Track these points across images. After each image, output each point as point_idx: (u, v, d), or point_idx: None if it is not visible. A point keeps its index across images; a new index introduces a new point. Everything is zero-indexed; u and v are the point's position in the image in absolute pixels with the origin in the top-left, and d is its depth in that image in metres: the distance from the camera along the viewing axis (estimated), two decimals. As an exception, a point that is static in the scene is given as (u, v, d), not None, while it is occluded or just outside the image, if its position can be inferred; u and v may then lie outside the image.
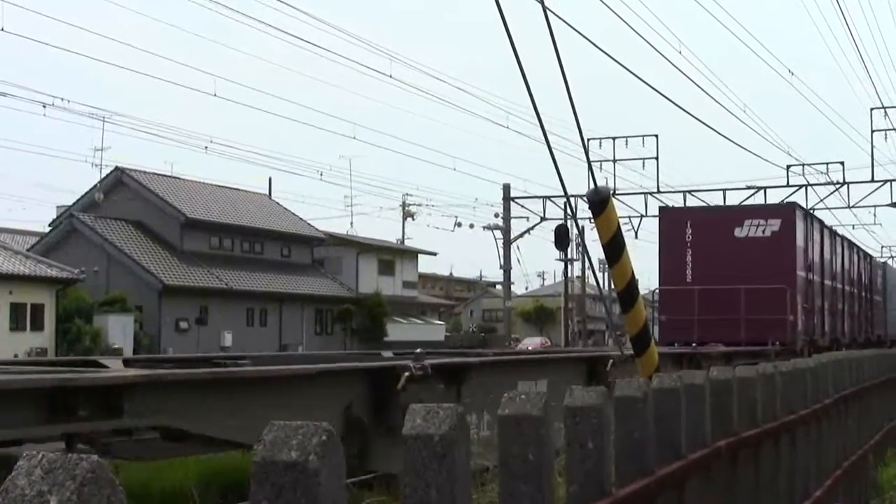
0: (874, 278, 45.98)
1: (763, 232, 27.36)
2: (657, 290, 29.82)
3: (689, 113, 26.59)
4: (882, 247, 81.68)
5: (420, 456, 2.18)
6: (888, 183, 48.33)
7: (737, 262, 26.67)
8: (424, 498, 2.18)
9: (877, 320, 46.00)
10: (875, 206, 52.56)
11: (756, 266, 26.44)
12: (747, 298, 25.90)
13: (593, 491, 3.12)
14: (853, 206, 49.81)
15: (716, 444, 4.56)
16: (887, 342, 46.47)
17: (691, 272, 27.59)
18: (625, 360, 11.96)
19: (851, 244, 39.92)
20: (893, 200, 48.54)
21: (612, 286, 11.75)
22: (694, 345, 24.66)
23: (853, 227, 58.31)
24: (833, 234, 34.99)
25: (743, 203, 45.72)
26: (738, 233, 27.50)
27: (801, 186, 47.66)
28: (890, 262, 74.10)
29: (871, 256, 46.42)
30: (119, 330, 50.04)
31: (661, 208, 31.12)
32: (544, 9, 10.40)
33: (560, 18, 13.81)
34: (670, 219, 29.43)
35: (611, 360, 13.98)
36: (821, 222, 32.82)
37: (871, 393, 11.69)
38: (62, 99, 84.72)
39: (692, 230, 27.87)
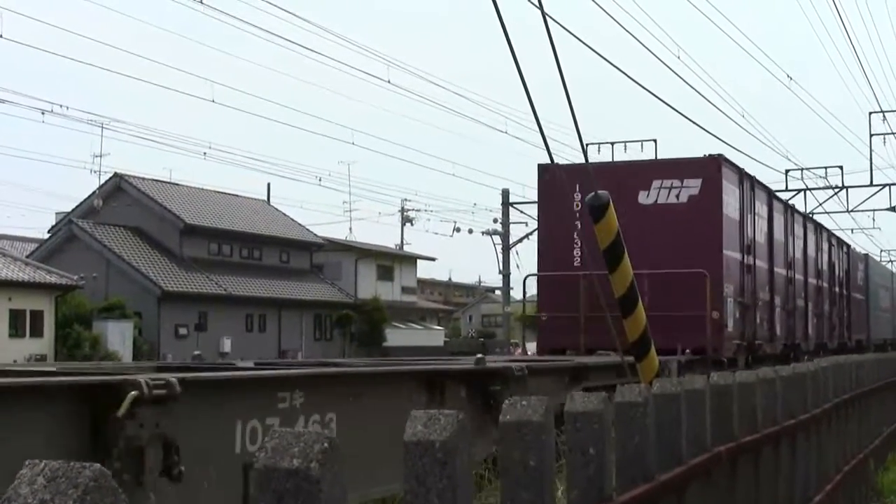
0: (853, 272, 40.41)
1: (677, 197, 20.20)
2: (532, 278, 22.86)
3: (687, 118, 26.49)
4: (881, 251, 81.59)
5: (421, 462, 2.18)
6: (887, 187, 48.33)
7: (642, 238, 18.77)
8: (426, 504, 2.18)
9: (857, 321, 40.31)
10: (874, 210, 52.84)
11: (667, 244, 19.77)
12: (653, 288, 18.71)
13: (594, 496, 3.12)
14: (852, 211, 49.78)
15: (716, 449, 4.56)
16: (870, 347, 41.26)
17: (580, 253, 20.24)
18: (630, 366, 11.97)
19: (820, 227, 33.35)
20: (892, 204, 48.52)
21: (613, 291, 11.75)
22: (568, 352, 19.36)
23: (852, 231, 58.28)
24: (791, 210, 28.32)
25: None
26: (644, 198, 20.37)
27: (799, 191, 47.61)
28: (890, 265, 73.63)
29: (848, 245, 40.26)
30: (118, 336, 50.02)
31: (540, 165, 21.73)
32: (543, 13, 10.41)
33: (559, 24, 13.80)
34: (552, 180, 20.50)
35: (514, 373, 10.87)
36: (769, 191, 25.36)
37: (872, 397, 11.70)
38: (61, 105, 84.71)
39: (582, 195, 18.78)
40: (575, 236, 20.16)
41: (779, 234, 25.90)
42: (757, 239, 23.20)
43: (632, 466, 3.55)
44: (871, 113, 48.72)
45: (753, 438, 5.31)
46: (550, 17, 10.10)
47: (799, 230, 28.90)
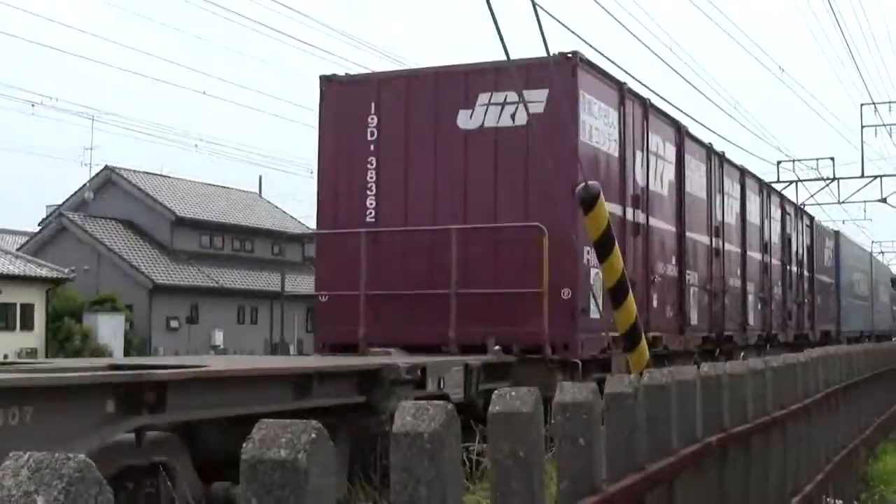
0: (819, 250, 34.40)
1: (513, 117, 13.79)
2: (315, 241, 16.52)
3: (679, 109, 26.44)
4: (872, 242, 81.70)
5: (409, 453, 2.17)
6: (878, 178, 48.42)
7: (462, 180, 14.08)
8: (414, 495, 2.18)
9: (823, 310, 34.10)
10: (865, 202, 52.73)
11: (498, 188, 13.96)
12: (465, 252, 13.52)
13: (584, 487, 3.12)
14: (843, 202, 49.85)
15: (706, 439, 4.57)
16: (841, 341, 34.64)
17: (377, 203, 14.49)
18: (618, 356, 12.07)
19: (770, 189, 27.14)
20: (883, 196, 48.60)
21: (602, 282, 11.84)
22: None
23: (843, 223, 58.32)
24: (721, 159, 21.62)
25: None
26: (466, 120, 14.08)
27: (791, 182, 47.68)
28: (880, 258, 73.63)
29: (811, 217, 34.22)
30: (109, 329, 49.95)
31: (322, 77, 15.16)
32: (533, 3, 10.43)
33: (549, 14, 13.73)
34: (341, 97, 14.91)
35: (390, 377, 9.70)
36: (678, 127, 18.62)
37: (862, 388, 11.72)
38: (51, 98, 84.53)
39: (380, 119, 14.55)
40: (369, 179, 14.51)
41: (697, 187, 19.61)
42: (654, 188, 16.72)
43: (622, 457, 3.55)
44: (862, 105, 48.79)
45: (743, 429, 5.32)
46: (541, 8, 10.11)
47: (733, 188, 22.84)
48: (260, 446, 1.79)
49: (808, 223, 33.13)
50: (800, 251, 30.82)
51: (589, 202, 10.87)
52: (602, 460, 3.31)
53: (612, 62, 19.04)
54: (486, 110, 14.03)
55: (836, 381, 9.41)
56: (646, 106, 16.79)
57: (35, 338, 46.86)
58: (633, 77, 22.59)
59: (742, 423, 5.35)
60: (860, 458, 11.03)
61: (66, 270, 48.49)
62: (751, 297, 23.85)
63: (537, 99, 13.50)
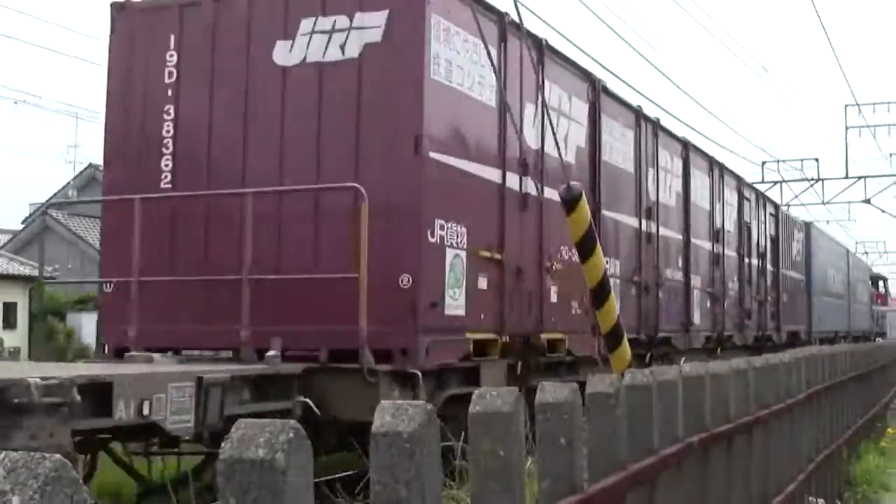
0: (786, 242, 31.02)
1: (342, 49, 10.95)
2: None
3: (664, 109, 26.31)
4: (857, 242, 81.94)
5: (389, 453, 2.17)
6: (862, 179, 48.57)
7: (276, 130, 11.20)
8: (394, 495, 2.18)
9: (790, 308, 30.87)
10: (849, 203, 52.90)
11: (322, 140, 10.97)
12: (272, 225, 10.98)
13: (565, 486, 3.12)
14: (828, 203, 50.01)
15: (688, 439, 4.57)
16: (814, 341, 32.56)
17: (174, 163, 11.63)
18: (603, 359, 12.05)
19: (723, 168, 23.56)
20: (867, 197, 48.75)
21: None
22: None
23: (827, 223, 58.53)
24: (656, 126, 18.43)
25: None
26: (284, 54, 11.22)
27: (776, 183, 47.82)
28: (864, 258, 73.72)
29: (776, 205, 31.35)
30: (93, 328, 49.70)
31: (113, 3, 12.09)
32: (515, 5, 10.48)
33: (534, 13, 13.73)
34: (134, 29, 12.03)
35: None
36: (592, 81, 15.30)
37: (845, 388, 11.76)
38: (34, 95, 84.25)
39: (181, 56, 11.70)
40: (165, 133, 11.56)
41: (620, 158, 16.30)
42: (553, 153, 12.66)
43: (603, 457, 3.56)
44: (846, 106, 48.95)
45: (726, 429, 5.33)
46: (524, 7, 10.06)
47: (673, 163, 19.31)
48: (238, 446, 1.79)
49: (772, 212, 29.53)
50: (762, 242, 27.44)
51: (571, 203, 10.87)
52: (583, 460, 3.31)
53: (595, 59, 19.02)
54: (310, 40, 10.97)
55: (818, 382, 9.44)
56: (541, 48, 13.32)
57: (18, 336, 46.68)
58: (616, 75, 22.64)
59: (724, 423, 5.36)
60: (843, 458, 11.06)
61: (49, 269, 48.33)
62: (696, 293, 20.37)
63: (373, 24, 10.66)
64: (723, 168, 23.49)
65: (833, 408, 10.66)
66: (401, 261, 10.29)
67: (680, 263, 19.58)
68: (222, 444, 1.81)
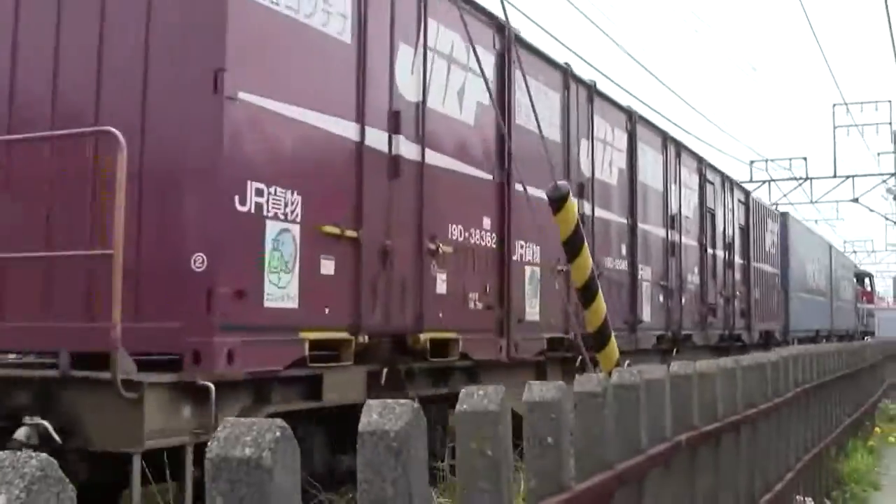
0: (758, 235, 28.52)
1: None
2: None
3: (653, 109, 26.27)
4: (844, 242, 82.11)
5: (376, 451, 2.18)
6: (850, 178, 48.69)
7: (49, 59, 8.48)
8: (381, 494, 2.18)
9: (764, 305, 28.57)
10: (837, 202, 53.07)
11: (104, 71, 8.25)
12: (22, 181, 8.52)
13: (552, 486, 3.13)
14: (816, 202, 50.13)
15: (676, 438, 4.58)
16: (791, 341, 30.79)
17: (10, 93, 8.69)
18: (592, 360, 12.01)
19: (680, 146, 20.75)
20: (855, 196, 48.88)
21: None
22: None
23: (816, 222, 58.72)
24: (591, 90, 15.83)
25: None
26: None
27: (764, 182, 47.96)
28: (853, 257, 73.74)
29: (746, 192, 28.41)
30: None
31: None
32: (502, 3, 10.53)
33: (522, 13, 13.73)
34: None
35: None
36: (495, 21, 12.47)
37: (834, 386, 11.79)
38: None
39: None
40: None
41: (546, 125, 13.27)
42: (443, 110, 11.08)
43: (591, 456, 3.57)
44: (834, 105, 49.13)
45: (713, 428, 5.35)
46: (511, 5, 10.04)
47: (614, 136, 16.72)
48: (224, 444, 1.79)
49: (741, 198, 26.90)
50: (729, 232, 24.73)
51: (558, 202, 10.89)
52: (570, 459, 3.32)
53: (584, 59, 19.01)
54: None
55: (807, 380, 9.46)
56: None
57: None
58: (604, 74, 22.64)
59: (712, 422, 5.37)
60: (831, 457, 11.09)
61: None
62: (646, 286, 17.64)
63: None
64: (680, 146, 20.58)
65: (821, 406, 10.69)
66: (191, 235, 7.75)
67: (624, 251, 16.83)
68: (209, 444, 1.82)
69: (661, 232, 18.97)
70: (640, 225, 17.49)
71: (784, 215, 34.75)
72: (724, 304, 23.77)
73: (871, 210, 53.64)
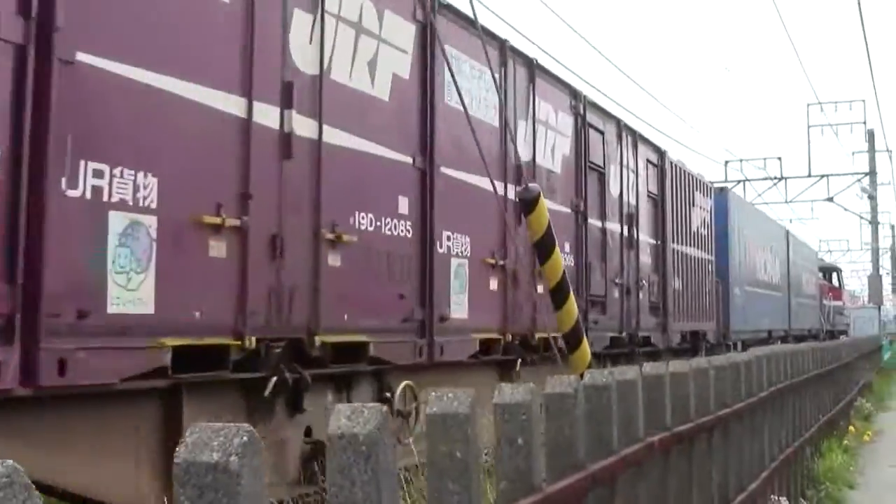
0: (679, 209, 22.50)
1: None
2: None
3: (626, 109, 26.28)
4: (820, 241, 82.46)
5: (345, 455, 2.19)
6: (825, 178, 48.90)
7: None
8: (350, 497, 2.20)
9: (689, 302, 22.81)
10: (812, 201, 53.29)
11: None
12: None
13: (523, 487, 3.14)
14: (791, 201, 50.33)
15: (648, 439, 4.60)
16: (733, 345, 26.08)
17: None
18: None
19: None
20: (830, 195, 49.09)
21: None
22: None
23: (791, 221, 58.90)
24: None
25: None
26: None
27: (739, 181, 48.11)
28: (828, 256, 73.79)
29: (661, 151, 21.64)
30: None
31: None
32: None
33: (499, 17, 13.77)
34: None
35: None
36: None
37: (808, 386, 11.84)
38: None
39: None
40: None
41: (485, 108, 12.42)
42: (339, 78, 9.74)
43: (562, 457, 3.58)
44: (808, 104, 49.41)
45: (686, 428, 5.37)
46: (483, 5, 10.01)
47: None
48: (192, 449, 1.81)
49: (652, 159, 20.65)
50: (630, 199, 18.84)
51: (530, 203, 10.95)
52: (541, 460, 3.33)
53: (558, 61, 18.98)
54: None
55: (781, 380, 9.50)
56: None
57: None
58: (579, 76, 22.71)
59: (685, 423, 5.40)
60: (806, 456, 11.14)
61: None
62: (456, 264, 11.72)
63: None
64: (535, 66, 14.54)
65: (796, 406, 10.73)
66: (7, 225, 6.31)
67: (404, 207, 10.84)
68: (177, 449, 1.83)
69: (488, 185, 12.03)
70: (442, 170, 11.55)
71: (723, 191, 29.49)
72: (620, 297, 17.82)
73: (846, 209, 53.95)
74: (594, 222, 16.56)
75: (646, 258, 19.72)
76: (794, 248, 40.62)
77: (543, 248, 11.12)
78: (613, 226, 17.73)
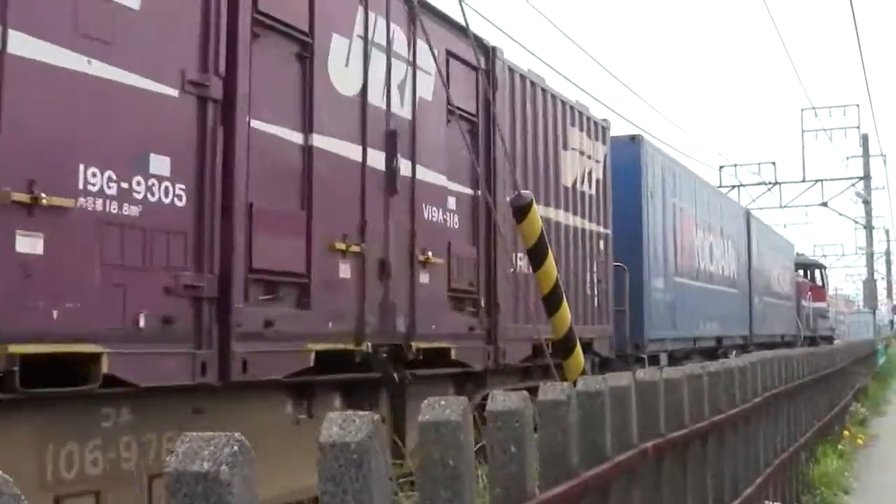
0: (551, 156, 15.18)
1: None
2: None
3: (619, 115, 26.04)
4: (815, 245, 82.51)
5: (336, 464, 2.19)
6: (819, 182, 48.94)
7: None
8: (342, 506, 2.20)
9: (573, 295, 14.85)
10: (807, 206, 53.24)
11: None
12: None
13: (516, 495, 3.14)
14: (785, 206, 50.34)
15: (642, 445, 4.60)
16: (647, 359, 18.65)
17: None
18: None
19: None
20: (824, 200, 49.14)
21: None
22: None
23: (785, 226, 58.90)
24: None
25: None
26: None
27: (734, 186, 48.14)
28: (824, 261, 73.72)
29: (488, 48, 13.24)
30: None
31: None
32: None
33: (489, 21, 13.68)
34: None
35: None
36: None
37: (803, 391, 11.84)
38: None
39: None
40: None
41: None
42: None
43: (555, 464, 3.58)
44: (802, 109, 49.46)
45: (680, 434, 5.36)
46: (470, 8, 10.05)
47: None
48: (183, 459, 1.81)
49: (468, 57, 12.40)
50: (399, 112, 11.11)
51: (521, 210, 10.97)
52: (534, 468, 3.33)
53: (551, 67, 18.88)
54: None
55: (775, 386, 9.51)
56: None
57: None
58: (571, 81, 22.79)
59: (679, 429, 5.39)
60: (801, 461, 11.14)
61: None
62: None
63: None
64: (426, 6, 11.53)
65: (791, 411, 10.74)
66: None
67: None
68: (168, 458, 1.83)
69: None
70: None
71: (636, 139, 20.23)
72: (360, 279, 10.20)
73: (841, 214, 53.98)
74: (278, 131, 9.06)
75: (439, 214, 11.59)
76: (758, 235, 32.77)
77: (537, 254, 11.14)
78: (346, 147, 9.92)
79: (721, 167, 49.54)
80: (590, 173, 16.86)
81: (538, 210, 12.05)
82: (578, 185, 16.23)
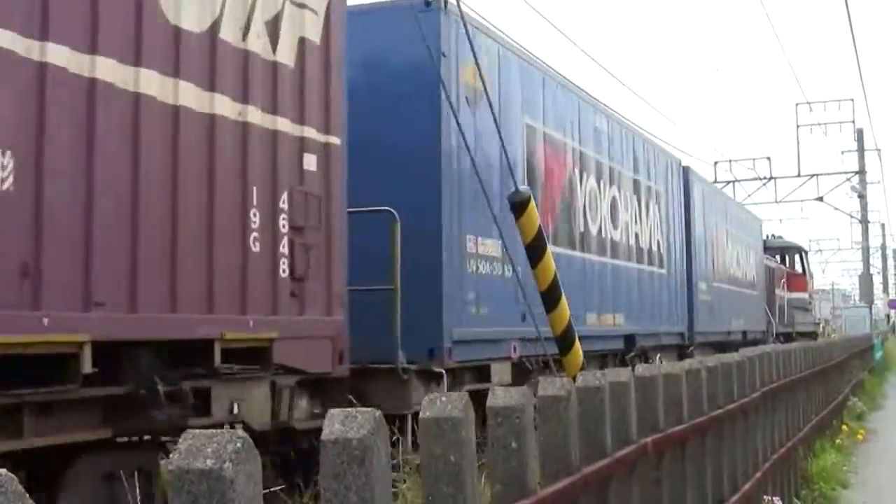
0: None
1: None
2: None
3: (614, 111, 26.04)
4: (810, 241, 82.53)
5: (339, 460, 2.19)
6: (814, 177, 48.91)
7: None
8: (344, 502, 2.19)
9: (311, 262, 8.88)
10: (802, 201, 53.20)
11: None
12: None
13: (516, 490, 3.14)
14: (781, 201, 50.29)
15: (641, 441, 4.60)
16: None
17: None
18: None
19: None
20: (819, 195, 49.13)
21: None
22: None
23: (780, 221, 58.81)
24: None
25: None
26: None
27: (729, 182, 48.08)
28: (818, 256, 73.47)
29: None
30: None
31: None
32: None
33: (485, 20, 13.86)
34: None
35: None
36: None
37: (801, 386, 11.84)
38: None
39: None
40: None
41: None
42: None
43: (555, 460, 3.58)
44: (797, 104, 49.47)
45: (679, 430, 5.36)
46: (467, 8, 10.04)
47: None
48: (186, 456, 1.80)
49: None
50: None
51: (519, 206, 10.96)
52: (535, 463, 3.33)
53: (547, 64, 19.02)
54: None
55: (773, 380, 9.50)
56: None
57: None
58: (567, 78, 22.67)
59: (678, 424, 5.39)
60: (800, 456, 11.13)
61: None
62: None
63: None
64: None
65: (789, 406, 10.73)
66: None
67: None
68: (170, 455, 1.83)
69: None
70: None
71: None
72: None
73: (836, 209, 53.90)
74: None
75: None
76: (707, 201, 25.49)
77: (535, 250, 11.13)
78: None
79: (716, 162, 49.46)
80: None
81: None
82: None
